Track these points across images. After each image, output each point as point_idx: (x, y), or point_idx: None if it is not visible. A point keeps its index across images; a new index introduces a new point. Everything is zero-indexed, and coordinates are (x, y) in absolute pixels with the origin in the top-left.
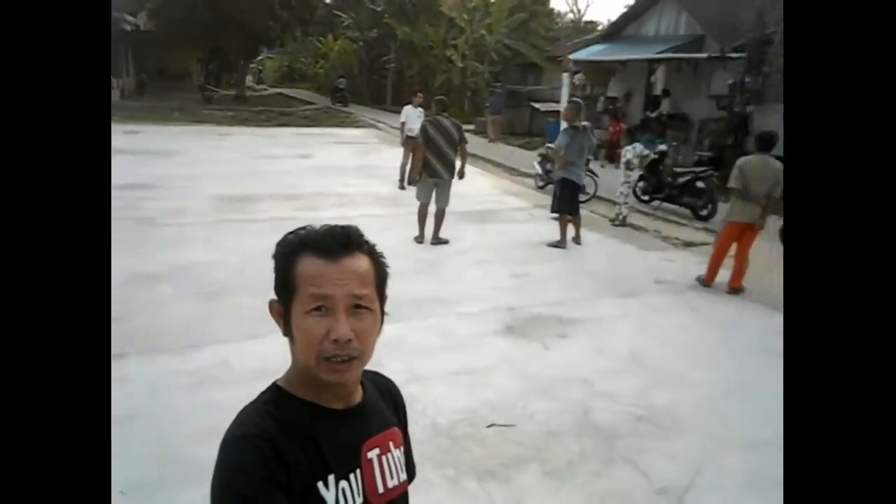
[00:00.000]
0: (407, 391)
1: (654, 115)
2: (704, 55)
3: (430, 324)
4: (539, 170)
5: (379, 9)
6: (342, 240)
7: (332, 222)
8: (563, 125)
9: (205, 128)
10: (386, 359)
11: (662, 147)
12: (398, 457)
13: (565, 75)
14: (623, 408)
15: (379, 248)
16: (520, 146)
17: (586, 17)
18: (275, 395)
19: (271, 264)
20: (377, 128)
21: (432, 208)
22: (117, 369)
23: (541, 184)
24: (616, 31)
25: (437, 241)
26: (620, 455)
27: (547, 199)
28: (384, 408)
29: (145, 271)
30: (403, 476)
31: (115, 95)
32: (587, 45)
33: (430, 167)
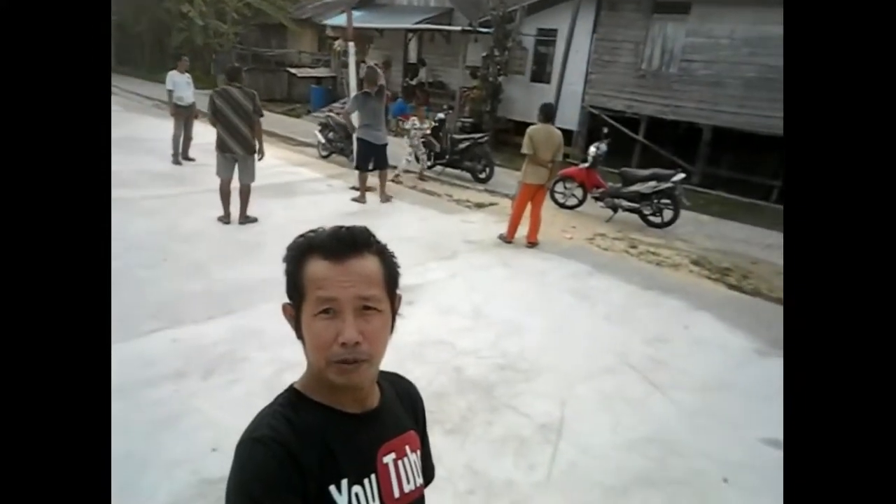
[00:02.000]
0: (284, 380)
1: (413, 82)
2: (459, 28)
3: (273, 308)
4: (322, 139)
5: None
6: (347, 241)
7: (115, 206)
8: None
9: None
10: (253, 351)
11: (441, 115)
12: (414, 461)
13: (350, 44)
14: (486, 360)
15: (182, 234)
16: (283, 113)
17: None
18: (291, 398)
19: None
20: (113, 93)
21: (235, 185)
22: None
23: (324, 153)
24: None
25: (246, 219)
26: (501, 402)
27: (336, 169)
28: (401, 411)
29: None
30: (420, 480)
31: None
32: (335, 10)
33: (222, 142)
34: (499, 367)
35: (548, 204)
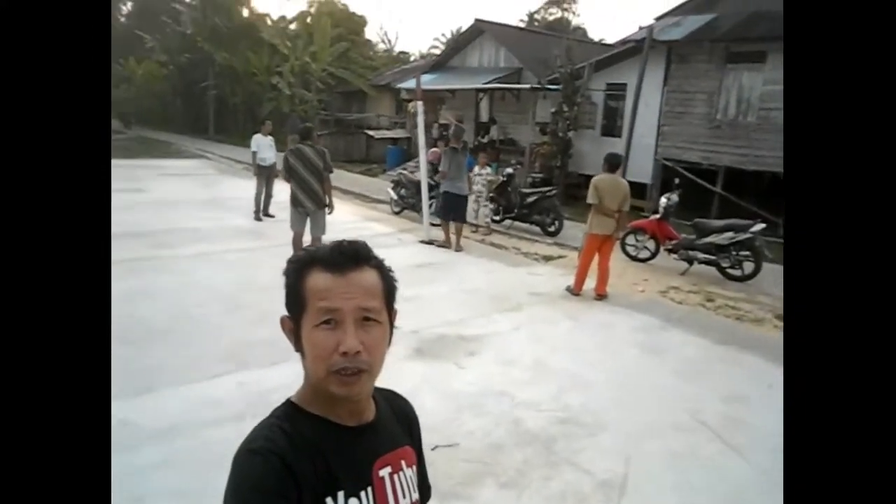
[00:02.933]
0: None
1: (485, 140)
2: (528, 86)
3: None
4: (394, 195)
5: (188, 31)
6: (350, 254)
7: (198, 259)
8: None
9: None
10: None
11: (509, 170)
12: (410, 476)
13: (419, 104)
14: (546, 413)
15: (258, 285)
16: (361, 173)
17: (398, 48)
18: (287, 411)
19: (136, 310)
20: (208, 158)
21: (307, 238)
22: None
23: (396, 209)
24: (443, 62)
25: None
26: (560, 457)
27: (407, 224)
28: (397, 427)
29: None
30: (416, 496)
31: None
32: (410, 75)
33: (294, 197)
34: (560, 421)
35: (619, 257)
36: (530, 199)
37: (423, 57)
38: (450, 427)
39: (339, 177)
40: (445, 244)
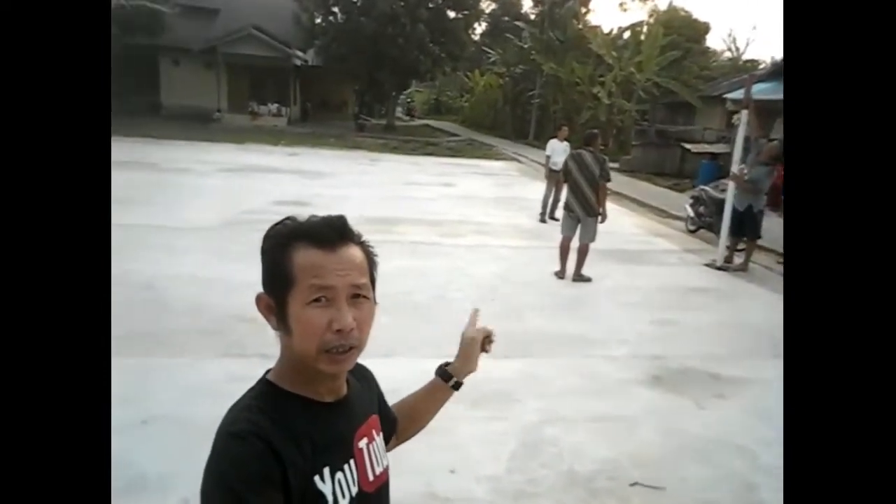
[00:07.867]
0: (544, 433)
1: None
2: None
3: (570, 363)
4: (691, 213)
5: (526, 45)
6: (339, 229)
7: (473, 250)
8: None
9: (357, 153)
10: (524, 395)
11: None
12: (380, 443)
13: (744, 112)
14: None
15: (517, 281)
16: (668, 187)
17: (746, 56)
18: (266, 390)
19: (403, 286)
20: (519, 161)
21: (576, 244)
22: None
23: (692, 227)
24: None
25: (579, 277)
26: None
27: (697, 244)
28: (365, 396)
29: None
30: (386, 461)
31: (282, 122)
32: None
33: (567, 202)
34: None
35: None
36: None
37: (774, 65)
38: (660, 467)
39: (640, 188)
40: (744, 266)
